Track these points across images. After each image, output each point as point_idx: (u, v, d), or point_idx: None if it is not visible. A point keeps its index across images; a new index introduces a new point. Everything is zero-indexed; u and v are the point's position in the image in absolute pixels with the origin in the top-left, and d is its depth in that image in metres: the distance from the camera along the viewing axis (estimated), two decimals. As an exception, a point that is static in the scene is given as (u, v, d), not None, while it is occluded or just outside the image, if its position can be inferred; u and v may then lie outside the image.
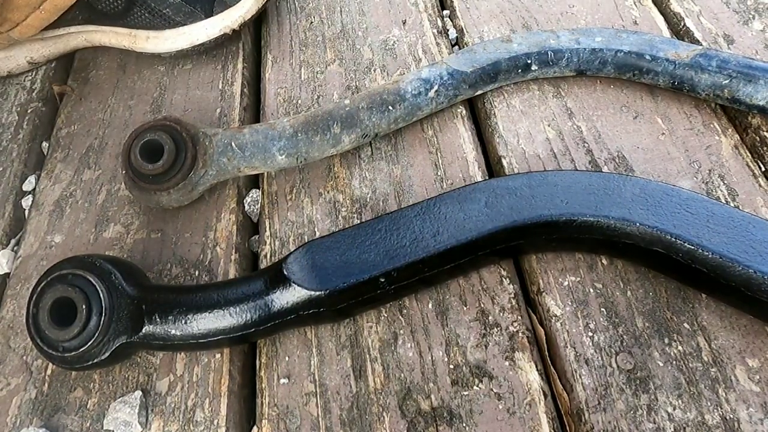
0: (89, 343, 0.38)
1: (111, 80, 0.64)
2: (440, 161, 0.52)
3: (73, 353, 0.38)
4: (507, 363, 0.41)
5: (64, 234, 0.52)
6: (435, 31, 0.63)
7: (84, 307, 0.38)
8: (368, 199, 0.50)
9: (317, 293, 0.40)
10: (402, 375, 0.41)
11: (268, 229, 0.50)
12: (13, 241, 0.54)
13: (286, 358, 0.43)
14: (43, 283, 0.39)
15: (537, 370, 0.41)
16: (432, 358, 0.42)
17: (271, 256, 0.49)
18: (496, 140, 0.53)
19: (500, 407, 0.39)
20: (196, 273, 0.48)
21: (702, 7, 0.59)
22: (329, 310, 0.41)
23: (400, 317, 0.44)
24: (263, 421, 0.41)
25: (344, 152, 0.53)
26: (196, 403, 0.42)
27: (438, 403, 0.40)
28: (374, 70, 0.60)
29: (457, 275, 0.44)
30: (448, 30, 0.64)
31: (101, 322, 0.39)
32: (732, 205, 0.46)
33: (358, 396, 0.41)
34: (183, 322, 0.40)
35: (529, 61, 0.54)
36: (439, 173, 0.51)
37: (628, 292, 0.43)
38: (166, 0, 0.60)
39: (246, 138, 0.50)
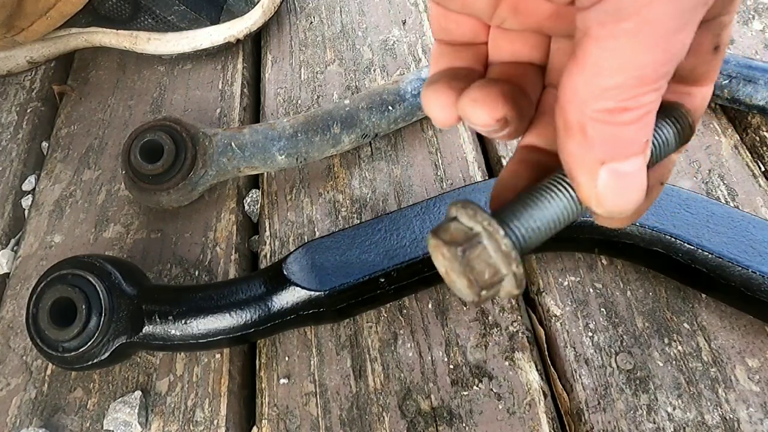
0: (89, 343, 0.38)
1: (111, 80, 0.64)
2: (440, 161, 0.52)
3: (73, 353, 0.38)
4: (507, 363, 0.41)
5: (63, 234, 0.52)
6: (435, 31, 0.62)
7: (84, 307, 0.38)
8: (368, 199, 0.50)
9: (317, 293, 0.40)
10: (402, 375, 0.41)
11: (267, 229, 0.50)
12: (12, 241, 0.54)
13: (286, 358, 0.43)
14: (42, 283, 0.39)
15: (537, 370, 0.41)
16: (432, 358, 0.42)
17: (270, 256, 0.49)
18: (496, 140, 0.53)
19: (500, 407, 0.39)
20: (196, 273, 0.48)
21: (702, 7, 0.59)
22: (329, 310, 0.41)
23: (400, 317, 0.44)
24: (263, 421, 0.41)
25: (344, 152, 0.53)
26: (195, 403, 0.42)
27: (438, 403, 0.40)
28: (374, 70, 0.60)
29: (457, 275, 0.44)
30: (448, 30, 0.64)
31: (101, 323, 0.39)
32: (732, 205, 0.46)
33: (358, 396, 0.41)
34: (183, 322, 0.40)
35: (529, 61, 0.54)
36: (439, 173, 0.51)
37: (628, 292, 0.43)
38: (171, 7, 0.60)
39: (246, 138, 0.50)
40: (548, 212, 0.21)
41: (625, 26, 0.17)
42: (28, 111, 0.63)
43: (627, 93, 0.18)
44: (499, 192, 0.24)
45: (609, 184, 0.19)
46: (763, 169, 0.49)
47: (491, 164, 0.53)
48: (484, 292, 0.20)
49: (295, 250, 0.42)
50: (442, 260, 0.21)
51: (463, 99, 0.22)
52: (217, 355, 0.44)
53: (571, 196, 0.21)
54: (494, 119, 0.22)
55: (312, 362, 0.43)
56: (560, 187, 0.21)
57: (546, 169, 0.23)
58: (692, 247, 0.39)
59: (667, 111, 0.23)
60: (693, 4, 0.17)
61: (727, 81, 0.49)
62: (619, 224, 0.24)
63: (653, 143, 0.22)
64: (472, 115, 0.22)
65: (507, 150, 0.52)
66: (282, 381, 0.42)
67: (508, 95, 0.22)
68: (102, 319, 0.39)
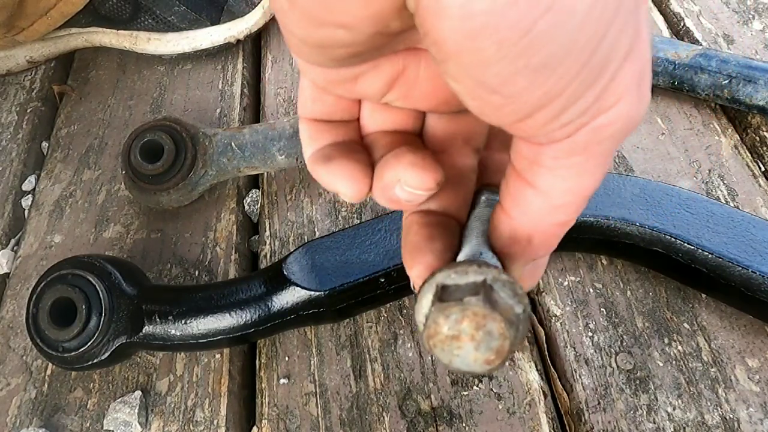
0: (89, 344, 0.38)
1: (111, 80, 0.64)
2: (440, 161, 0.52)
3: (72, 353, 0.38)
4: (507, 363, 0.41)
5: (64, 234, 0.52)
6: (435, 31, 0.62)
7: (84, 307, 0.38)
8: (368, 199, 0.50)
9: (317, 293, 0.40)
10: (402, 375, 0.41)
11: (268, 229, 0.50)
12: (12, 241, 0.54)
13: (286, 358, 0.43)
14: (42, 283, 0.39)
15: (537, 370, 0.41)
16: (432, 358, 0.42)
17: (271, 256, 0.49)
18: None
19: (500, 407, 0.39)
20: (196, 273, 0.48)
21: (702, 7, 0.59)
22: (329, 310, 0.41)
23: (400, 317, 0.44)
24: (263, 421, 0.41)
25: (344, 152, 0.53)
26: (195, 403, 0.42)
27: (438, 403, 0.40)
28: (374, 70, 0.60)
29: (457, 275, 0.44)
30: (448, 30, 0.64)
31: (101, 323, 0.39)
32: (732, 205, 0.46)
33: (358, 396, 0.41)
34: (183, 322, 0.40)
35: (529, 61, 0.54)
36: (439, 173, 0.51)
37: (628, 292, 0.43)
38: (171, 8, 0.60)
39: (246, 138, 0.50)
40: None
41: (576, 160, 0.19)
42: (28, 111, 0.63)
43: (574, 208, 0.21)
44: (415, 256, 0.23)
45: (530, 271, 0.24)
46: (763, 169, 0.49)
47: (491, 164, 0.53)
48: (488, 367, 0.20)
49: (295, 250, 0.42)
50: (472, 329, 0.19)
51: (398, 165, 0.22)
52: (217, 355, 0.44)
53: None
54: (436, 182, 0.21)
55: (312, 362, 0.43)
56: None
57: (446, 228, 0.24)
58: (692, 247, 0.39)
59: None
60: (624, 136, 0.19)
61: (727, 81, 0.49)
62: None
63: None
64: (412, 180, 0.21)
65: (507, 150, 0.52)
66: (282, 381, 0.42)
67: (434, 158, 0.22)
68: (102, 319, 0.39)
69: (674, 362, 0.40)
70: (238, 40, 0.63)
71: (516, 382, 0.40)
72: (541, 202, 0.20)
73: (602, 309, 0.42)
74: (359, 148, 0.24)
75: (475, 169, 0.26)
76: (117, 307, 0.39)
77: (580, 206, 0.21)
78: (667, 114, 0.52)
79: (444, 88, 0.22)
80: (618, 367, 0.40)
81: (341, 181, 0.23)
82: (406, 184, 0.21)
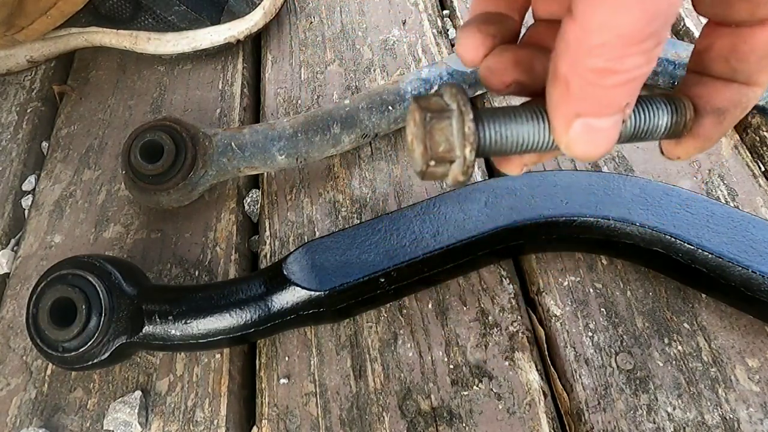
0: (89, 344, 0.38)
1: (111, 80, 0.64)
2: (440, 161, 0.52)
3: (72, 353, 0.38)
4: (507, 363, 0.41)
5: (64, 234, 0.52)
6: (435, 31, 0.63)
7: (84, 307, 0.38)
8: (368, 199, 0.50)
9: (317, 293, 0.40)
10: (402, 375, 0.41)
11: (268, 229, 0.50)
12: (12, 241, 0.54)
13: (286, 358, 0.43)
14: (42, 284, 0.39)
15: (537, 370, 0.41)
16: (432, 358, 0.42)
17: (271, 256, 0.49)
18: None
19: (500, 407, 0.39)
20: (196, 273, 0.48)
21: (702, 7, 0.59)
22: (329, 310, 0.41)
23: (400, 317, 0.44)
24: (263, 421, 0.41)
25: (344, 152, 0.53)
26: (195, 403, 0.42)
27: (438, 403, 0.40)
28: (374, 70, 0.60)
29: (457, 275, 0.44)
30: (447, 30, 0.64)
31: (101, 323, 0.39)
32: (732, 205, 0.46)
33: (358, 396, 0.41)
34: (183, 322, 0.40)
35: (529, 61, 0.54)
36: (439, 173, 0.51)
37: (628, 292, 0.43)
38: (172, 7, 0.60)
39: (246, 138, 0.50)
40: (522, 129, 0.23)
41: None
42: (28, 111, 0.63)
43: (612, 53, 0.19)
44: None
45: (580, 135, 0.21)
46: (763, 169, 0.49)
47: (491, 164, 0.53)
48: (432, 163, 0.22)
49: (295, 250, 0.42)
50: (413, 126, 0.23)
51: (481, 67, 0.25)
52: (217, 355, 0.44)
53: (546, 127, 0.23)
54: (504, 84, 0.25)
55: (312, 362, 0.43)
56: (541, 116, 0.23)
57: None
58: (692, 247, 0.39)
59: (673, 100, 0.25)
60: None
61: (727, 81, 0.49)
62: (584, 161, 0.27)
63: (640, 116, 0.24)
64: (486, 81, 0.25)
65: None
66: (282, 381, 0.42)
67: (521, 62, 0.24)
68: (102, 319, 0.39)
69: (674, 362, 0.40)
70: (238, 41, 0.63)
71: (516, 382, 0.40)
72: (578, 37, 0.19)
73: (602, 309, 0.42)
74: (500, 19, 0.27)
75: None
76: (117, 307, 0.39)
77: (617, 51, 0.19)
78: (667, 114, 0.52)
79: None
80: (618, 367, 0.40)
81: (459, 46, 0.26)
82: (483, 84, 0.25)
